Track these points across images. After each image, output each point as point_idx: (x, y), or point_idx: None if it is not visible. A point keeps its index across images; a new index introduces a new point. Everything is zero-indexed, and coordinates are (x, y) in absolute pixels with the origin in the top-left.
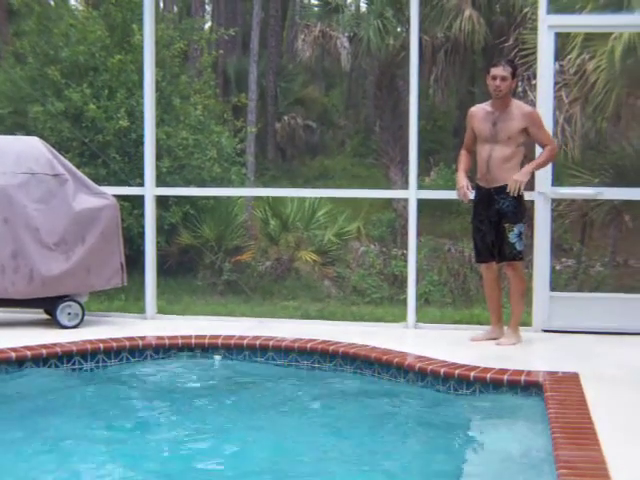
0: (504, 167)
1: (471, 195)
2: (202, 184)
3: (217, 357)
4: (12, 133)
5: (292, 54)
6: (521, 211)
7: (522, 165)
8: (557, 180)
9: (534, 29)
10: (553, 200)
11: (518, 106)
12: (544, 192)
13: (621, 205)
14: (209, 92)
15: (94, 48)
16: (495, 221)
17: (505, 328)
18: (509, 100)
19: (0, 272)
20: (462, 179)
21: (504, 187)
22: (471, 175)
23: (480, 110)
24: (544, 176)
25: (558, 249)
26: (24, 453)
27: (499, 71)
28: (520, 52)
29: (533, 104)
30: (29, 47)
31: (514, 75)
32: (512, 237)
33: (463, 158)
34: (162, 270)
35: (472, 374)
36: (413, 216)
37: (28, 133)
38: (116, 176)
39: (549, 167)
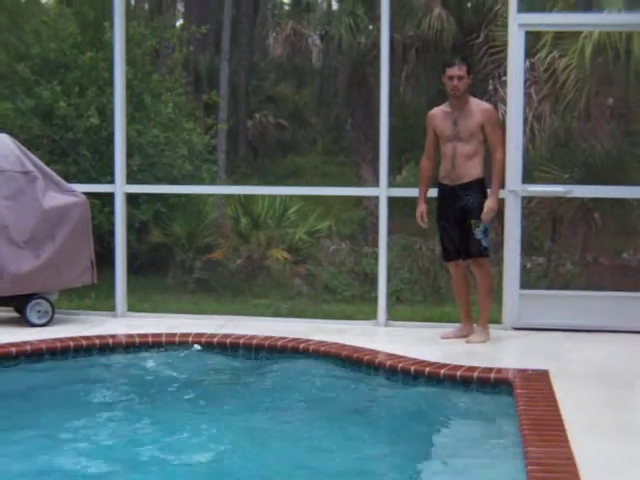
0: (468, 164)
1: (425, 225)
2: (173, 182)
3: (197, 346)
4: None
5: (264, 52)
6: None
7: (484, 161)
8: (527, 178)
9: (504, 26)
10: (523, 198)
11: (476, 103)
12: (515, 190)
13: (590, 202)
14: (180, 90)
15: (65, 45)
16: (460, 218)
17: (475, 325)
18: (467, 98)
19: None
20: (421, 204)
21: (469, 184)
22: (434, 174)
23: (439, 112)
24: (515, 174)
25: (529, 247)
26: None
27: (455, 71)
28: (490, 49)
29: (503, 101)
30: None
31: (469, 72)
32: (478, 233)
33: (424, 173)
34: (133, 268)
35: (442, 371)
36: (384, 214)
37: None
38: (86, 174)
39: (520, 165)
